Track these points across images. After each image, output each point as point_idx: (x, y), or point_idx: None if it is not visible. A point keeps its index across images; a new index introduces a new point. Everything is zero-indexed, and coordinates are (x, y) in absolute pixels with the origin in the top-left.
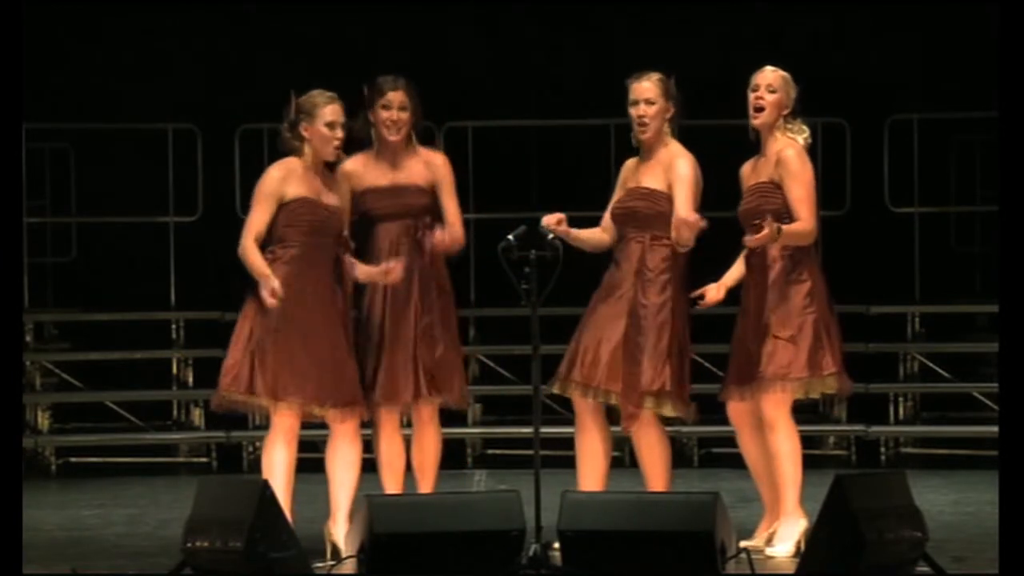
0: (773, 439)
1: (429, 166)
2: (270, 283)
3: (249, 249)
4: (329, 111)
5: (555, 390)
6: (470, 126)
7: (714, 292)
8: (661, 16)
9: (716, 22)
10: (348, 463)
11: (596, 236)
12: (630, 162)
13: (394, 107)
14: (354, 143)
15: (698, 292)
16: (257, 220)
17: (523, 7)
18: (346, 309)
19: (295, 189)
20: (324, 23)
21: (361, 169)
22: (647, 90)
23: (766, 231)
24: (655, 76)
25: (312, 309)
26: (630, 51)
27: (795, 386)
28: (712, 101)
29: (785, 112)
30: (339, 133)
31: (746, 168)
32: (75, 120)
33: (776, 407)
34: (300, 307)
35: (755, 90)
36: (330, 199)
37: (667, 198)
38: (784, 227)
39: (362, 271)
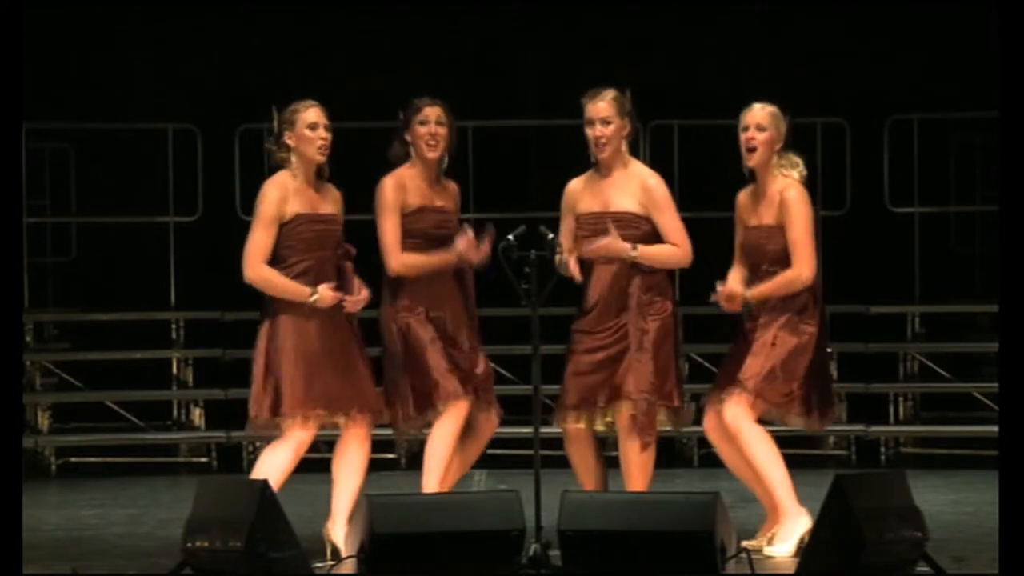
0: (743, 446)
1: (453, 192)
2: (318, 293)
3: (265, 272)
4: (309, 114)
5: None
6: (470, 126)
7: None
8: (661, 16)
9: (717, 23)
10: (354, 467)
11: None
12: (577, 185)
13: (431, 122)
14: (390, 167)
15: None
16: (262, 244)
17: (524, 7)
18: (350, 317)
19: (293, 206)
20: (324, 22)
21: (409, 185)
22: (603, 110)
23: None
24: (610, 95)
25: (323, 322)
26: (631, 51)
27: (752, 397)
28: (712, 102)
29: (778, 147)
30: (322, 133)
31: (743, 199)
32: (75, 120)
33: (735, 418)
34: (311, 322)
35: (745, 130)
36: (326, 208)
37: (646, 220)
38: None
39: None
